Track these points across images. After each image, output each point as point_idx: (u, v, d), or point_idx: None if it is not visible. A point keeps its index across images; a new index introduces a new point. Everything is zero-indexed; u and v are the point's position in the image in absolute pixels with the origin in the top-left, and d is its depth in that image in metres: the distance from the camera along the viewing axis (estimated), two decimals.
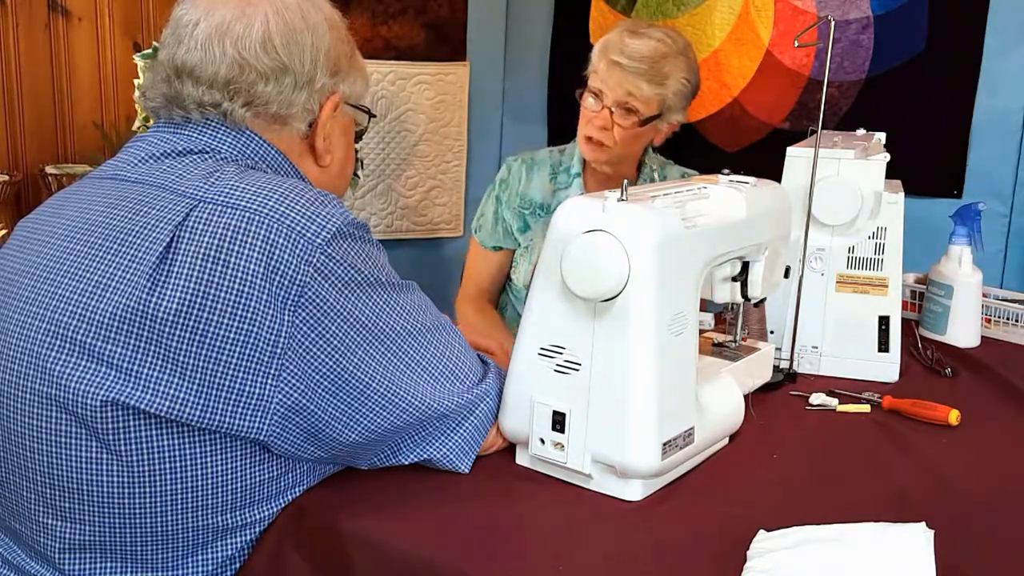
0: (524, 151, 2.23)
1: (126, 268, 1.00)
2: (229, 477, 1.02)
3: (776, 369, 1.49)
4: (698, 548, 1.00)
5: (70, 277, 1.02)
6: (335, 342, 1.00)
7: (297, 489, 1.09)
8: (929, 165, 2.28)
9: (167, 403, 0.97)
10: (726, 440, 1.27)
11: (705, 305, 1.34)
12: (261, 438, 1.01)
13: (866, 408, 1.42)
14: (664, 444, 1.08)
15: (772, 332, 1.56)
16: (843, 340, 1.55)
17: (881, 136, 1.67)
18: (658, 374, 1.07)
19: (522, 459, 1.18)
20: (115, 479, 1.00)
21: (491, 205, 2.18)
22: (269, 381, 0.98)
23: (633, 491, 1.10)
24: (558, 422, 1.11)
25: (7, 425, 1.04)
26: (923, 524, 1.01)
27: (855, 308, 1.55)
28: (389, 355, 1.05)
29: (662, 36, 1.97)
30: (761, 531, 1.01)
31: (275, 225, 0.99)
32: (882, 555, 0.96)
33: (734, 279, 1.32)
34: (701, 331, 1.30)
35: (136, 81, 2.11)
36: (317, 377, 1.00)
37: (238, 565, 1.08)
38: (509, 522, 1.06)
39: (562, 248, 1.08)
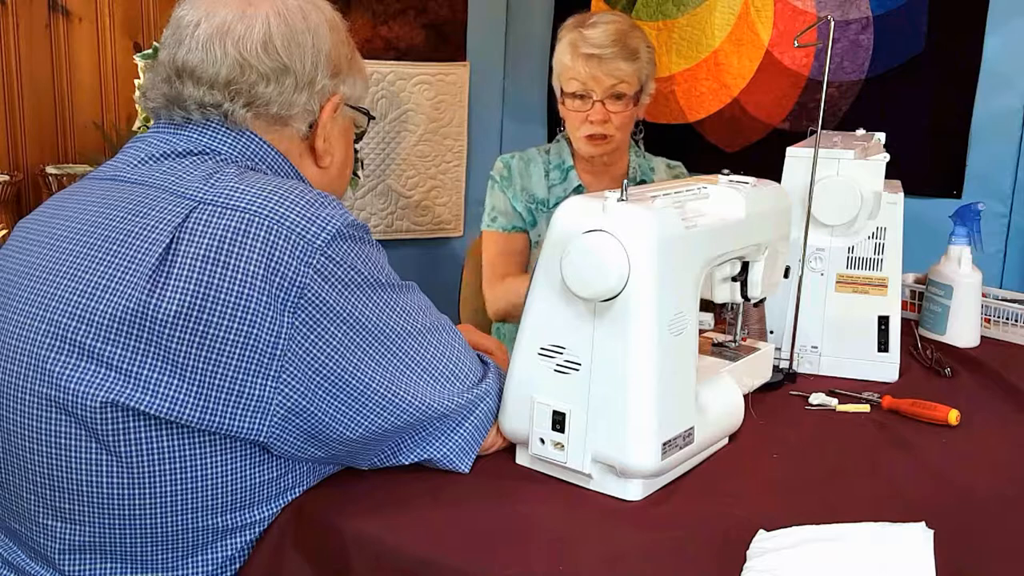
0: (513, 150, 2.24)
1: (126, 269, 1.00)
2: (229, 478, 1.02)
3: (776, 369, 1.49)
4: (698, 548, 1.00)
5: (69, 278, 1.02)
6: (335, 343, 1.00)
7: (297, 489, 1.09)
8: (929, 165, 2.28)
9: (167, 404, 0.97)
10: (726, 440, 1.27)
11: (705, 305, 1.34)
12: (261, 439, 1.01)
13: (866, 408, 1.42)
14: (664, 444, 1.08)
15: (772, 332, 1.56)
16: (843, 340, 1.55)
17: (881, 136, 1.67)
18: (658, 374, 1.07)
19: (522, 459, 1.18)
20: (115, 480, 1.00)
21: (499, 196, 2.17)
22: (269, 383, 0.99)
23: (633, 491, 1.10)
24: (558, 422, 1.11)
25: (7, 427, 1.04)
26: (923, 524, 1.01)
27: (855, 308, 1.55)
28: (389, 356, 1.05)
29: (611, 17, 2.07)
30: (761, 531, 1.01)
31: (275, 227, 0.99)
32: (882, 555, 0.96)
33: (734, 279, 1.32)
34: (701, 331, 1.31)
35: (136, 81, 2.11)
36: (317, 378, 1.00)
37: (238, 565, 1.08)
38: (509, 522, 1.06)
39: (562, 248, 1.08)
